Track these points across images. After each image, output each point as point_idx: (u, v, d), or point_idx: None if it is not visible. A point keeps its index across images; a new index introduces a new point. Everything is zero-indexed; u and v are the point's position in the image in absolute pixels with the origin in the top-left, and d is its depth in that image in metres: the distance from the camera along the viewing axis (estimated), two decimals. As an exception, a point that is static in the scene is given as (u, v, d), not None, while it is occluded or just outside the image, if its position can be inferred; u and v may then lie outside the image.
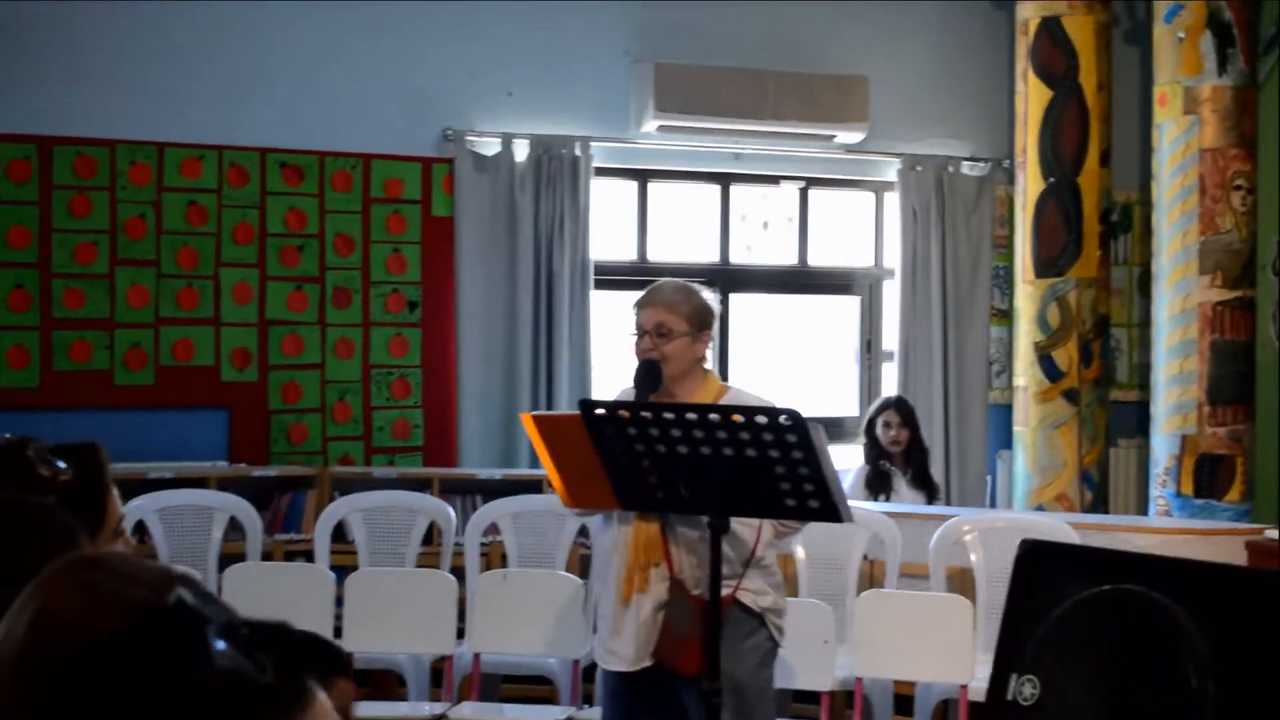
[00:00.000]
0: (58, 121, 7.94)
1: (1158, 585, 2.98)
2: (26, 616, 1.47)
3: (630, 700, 4.76)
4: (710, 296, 4.83)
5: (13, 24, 7.86)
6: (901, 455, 8.17)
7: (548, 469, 4.57)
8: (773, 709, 4.87)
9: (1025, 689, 3.16)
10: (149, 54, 8.12)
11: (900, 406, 8.28)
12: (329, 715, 1.35)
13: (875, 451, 8.16)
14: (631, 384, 4.73)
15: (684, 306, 4.72)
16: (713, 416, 4.14)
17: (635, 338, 4.74)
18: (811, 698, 6.32)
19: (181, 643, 1.29)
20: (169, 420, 8.13)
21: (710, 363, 4.87)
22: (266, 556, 7.45)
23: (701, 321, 4.74)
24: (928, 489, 8.17)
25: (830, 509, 4.22)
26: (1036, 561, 3.31)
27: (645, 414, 4.23)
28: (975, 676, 5.96)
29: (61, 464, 2.64)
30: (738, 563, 4.64)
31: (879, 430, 8.15)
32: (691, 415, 4.17)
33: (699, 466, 4.19)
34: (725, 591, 4.58)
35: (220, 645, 1.29)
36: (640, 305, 4.77)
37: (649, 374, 4.64)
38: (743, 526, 4.63)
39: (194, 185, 8.18)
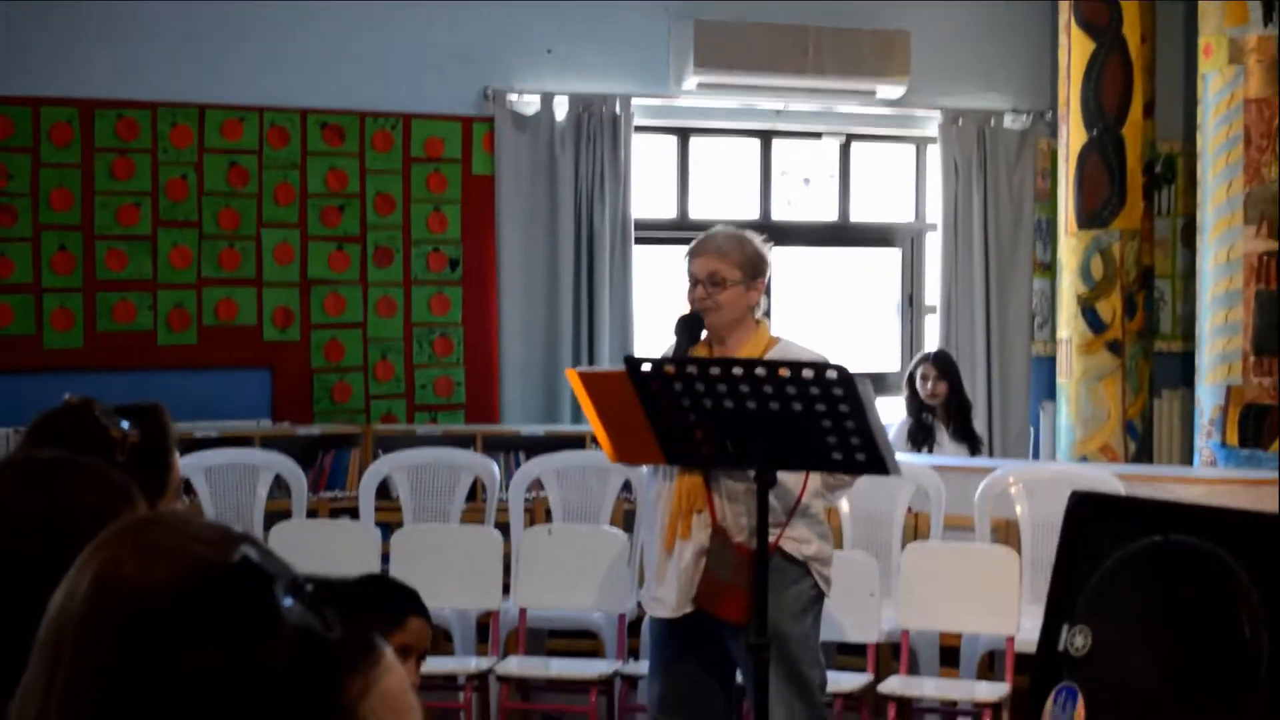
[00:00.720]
0: (99, 84, 7.97)
1: (1209, 536, 2.97)
2: (88, 575, 1.48)
3: (675, 646, 4.78)
4: (764, 245, 4.81)
5: (53, -14, 7.88)
6: (943, 408, 8.15)
7: (594, 425, 4.58)
8: (818, 657, 4.86)
9: (1077, 639, 3.16)
10: (189, 16, 8.13)
11: (938, 360, 8.26)
12: (397, 670, 1.36)
13: (917, 404, 8.15)
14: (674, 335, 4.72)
15: (737, 255, 4.71)
16: (759, 371, 4.14)
17: (688, 287, 4.72)
18: (857, 650, 6.33)
19: (251, 599, 1.30)
20: (212, 380, 8.17)
21: (761, 312, 4.83)
22: (311, 514, 7.50)
23: (755, 270, 4.72)
24: (970, 442, 8.15)
25: (877, 462, 4.22)
26: (1087, 513, 3.30)
27: (690, 369, 4.22)
28: (1021, 628, 5.96)
29: (125, 424, 2.66)
30: (782, 511, 4.64)
31: (918, 384, 8.14)
32: (737, 370, 4.16)
33: (745, 421, 4.19)
34: (769, 540, 4.58)
35: (288, 602, 1.30)
36: (693, 254, 4.75)
37: (690, 326, 4.64)
38: (788, 475, 4.62)
39: (235, 146, 8.20)
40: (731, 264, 4.69)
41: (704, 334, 4.72)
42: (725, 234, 4.80)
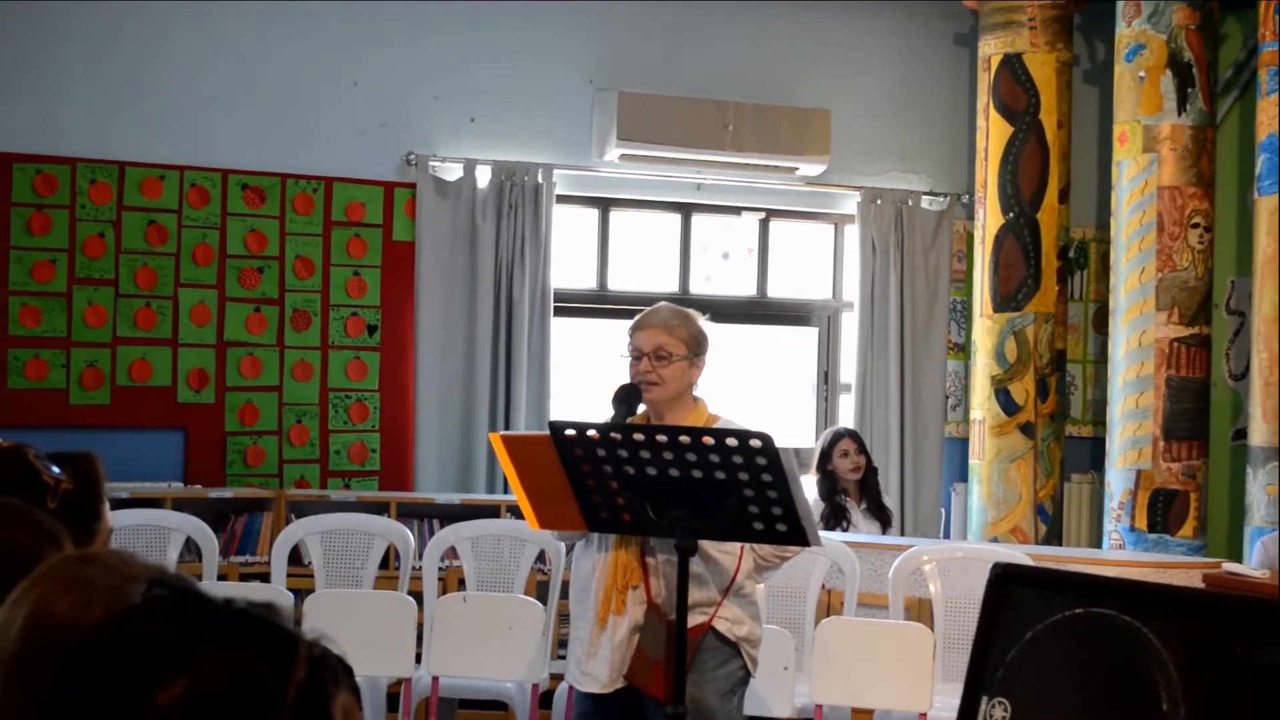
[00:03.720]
0: (18, 138, 7.91)
1: (1129, 609, 2.98)
2: (22, 613, 1.46)
3: None
4: (706, 324, 4.82)
5: (-25, 39, 7.83)
6: (857, 485, 8.17)
7: (515, 490, 4.55)
8: None
9: (996, 712, 3.16)
10: (112, 73, 8.09)
11: (854, 435, 8.29)
12: (355, 711, 1.35)
13: (830, 485, 8.14)
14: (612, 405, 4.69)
15: (682, 331, 4.71)
16: (683, 439, 4.14)
17: (631, 360, 4.71)
18: (769, 726, 6.32)
19: None
20: (124, 441, 8.07)
21: (700, 390, 4.83)
22: (221, 578, 7.40)
23: (698, 347, 4.74)
24: (882, 517, 8.17)
25: (799, 533, 4.22)
26: (1009, 584, 3.31)
27: (615, 435, 4.22)
28: (934, 705, 5.97)
29: (57, 470, 2.62)
30: (716, 590, 4.63)
31: (836, 460, 8.13)
32: (662, 437, 4.16)
33: (668, 489, 4.18)
34: (702, 618, 4.59)
35: None
36: (638, 327, 4.75)
37: (627, 397, 4.62)
38: (723, 555, 4.62)
39: (154, 205, 8.15)
40: (678, 339, 4.70)
41: (641, 407, 4.71)
42: (671, 309, 4.81)
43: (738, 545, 4.64)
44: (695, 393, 4.79)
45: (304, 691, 1.29)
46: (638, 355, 4.70)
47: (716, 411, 4.82)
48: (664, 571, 4.60)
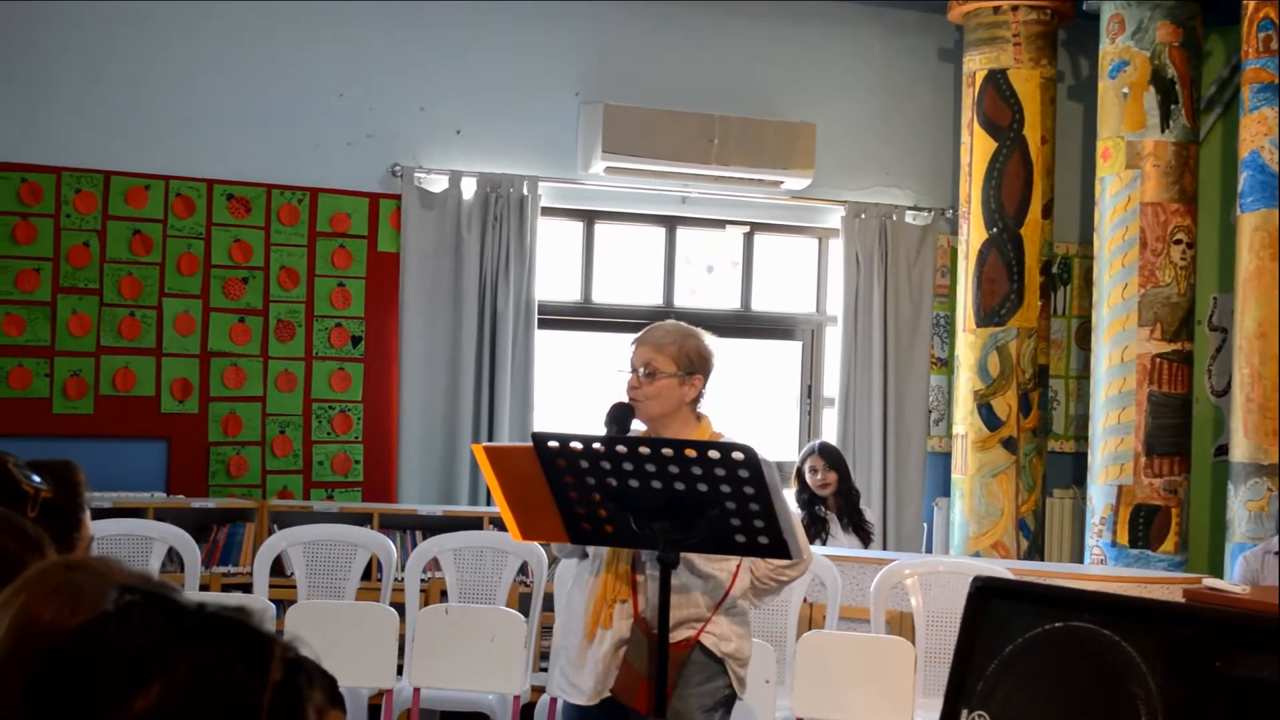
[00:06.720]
0: (3, 147, 7.91)
1: (1109, 623, 3.00)
2: (7, 618, 1.46)
3: None
4: (710, 342, 4.80)
5: (-40, 48, 7.83)
6: (834, 499, 8.19)
7: (498, 501, 4.55)
8: None
9: (976, 725, 3.17)
10: (98, 82, 8.09)
11: (824, 451, 8.28)
12: (329, 711, 1.36)
13: (808, 496, 8.18)
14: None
15: (673, 348, 4.70)
16: (665, 451, 4.14)
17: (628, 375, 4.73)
18: (750, 739, 6.31)
19: None
20: (107, 450, 8.07)
21: (705, 407, 4.82)
22: (203, 588, 7.40)
23: (691, 365, 4.71)
24: (861, 532, 8.19)
25: (781, 546, 4.22)
26: (989, 598, 3.32)
27: (598, 447, 4.22)
28: (915, 719, 5.97)
29: (37, 479, 2.62)
30: (706, 606, 4.62)
31: (807, 476, 8.18)
32: (645, 449, 4.16)
33: (651, 501, 4.18)
34: (690, 633, 4.57)
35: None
36: (635, 343, 4.76)
37: (619, 416, 4.62)
38: (718, 570, 4.62)
39: (139, 215, 8.15)
40: (667, 356, 4.69)
41: (643, 425, 4.70)
42: (667, 326, 4.81)
43: (734, 561, 4.64)
44: (701, 409, 4.79)
45: (280, 693, 1.29)
46: (632, 370, 4.71)
47: (720, 429, 4.82)
48: (653, 585, 4.59)
